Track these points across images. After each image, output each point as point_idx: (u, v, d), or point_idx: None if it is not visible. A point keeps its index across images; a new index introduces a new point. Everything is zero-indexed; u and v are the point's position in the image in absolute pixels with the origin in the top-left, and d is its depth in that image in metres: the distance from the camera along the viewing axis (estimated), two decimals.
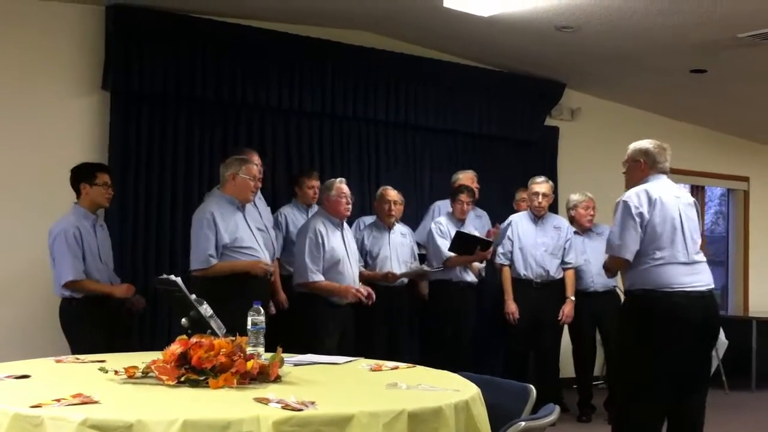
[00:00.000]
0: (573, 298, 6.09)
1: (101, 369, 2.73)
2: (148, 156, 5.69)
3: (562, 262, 6.11)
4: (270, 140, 6.19)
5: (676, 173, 8.65)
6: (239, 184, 4.67)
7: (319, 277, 5.00)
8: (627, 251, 3.95)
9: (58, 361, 3.18)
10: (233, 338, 2.75)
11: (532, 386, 2.98)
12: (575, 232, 6.32)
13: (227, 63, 5.91)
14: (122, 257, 5.32)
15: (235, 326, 3.04)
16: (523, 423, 2.59)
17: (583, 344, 6.32)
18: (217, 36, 5.88)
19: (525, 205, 6.33)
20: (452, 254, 5.82)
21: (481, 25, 5.96)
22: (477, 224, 6.31)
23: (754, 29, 5.70)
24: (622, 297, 4.60)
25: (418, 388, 2.66)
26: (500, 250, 6.06)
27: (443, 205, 6.32)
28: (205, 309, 3.14)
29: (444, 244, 5.84)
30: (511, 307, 6.00)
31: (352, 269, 5.16)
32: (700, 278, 4.00)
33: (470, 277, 6.00)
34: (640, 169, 4.13)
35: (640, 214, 3.95)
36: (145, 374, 2.64)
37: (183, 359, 2.60)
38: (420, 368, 3.23)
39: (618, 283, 5.16)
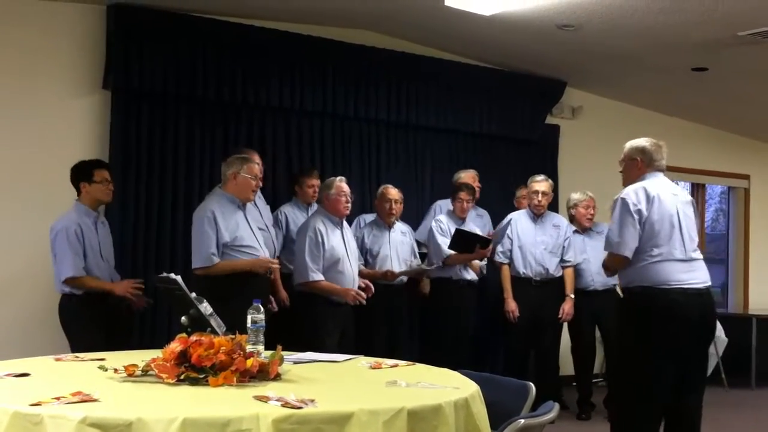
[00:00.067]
0: (572, 295, 6.09)
1: (101, 367, 2.73)
2: (149, 155, 5.70)
3: (561, 261, 6.12)
4: (270, 139, 6.20)
5: (677, 171, 8.73)
6: (240, 183, 4.67)
7: (319, 277, 5.01)
8: (626, 248, 3.95)
9: (57, 360, 3.19)
10: (233, 336, 2.75)
11: (531, 384, 2.99)
12: (575, 231, 6.33)
13: (228, 62, 5.91)
14: (123, 256, 5.32)
15: (235, 324, 3.04)
16: (522, 420, 2.59)
17: (582, 342, 6.33)
18: (217, 35, 5.88)
19: (525, 203, 6.33)
20: (452, 252, 5.83)
21: (482, 24, 5.95)
22: (478, 223, 6.32)
23: (755, 27, 5.70)
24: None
25: (418, 386, 2.66)
26: (499, 248, 6.07)
27: (444, 205, 6.32)
28: (205, 307, 3.14)
29: (444, 242, 5.85)
30: (511, 305, 6.00)
31: (351, 268, 5.16)
32: (697, 275, 4.01)
33: (470, 276, 6.00)
34: (636, 167, 4.14)
35: (639, 211, 3.95)
36: (145, 372, 2.64)
37: (183, 357, 2.60)
38: (420, 366, 3.23)
39: (618, 281, 5.15)
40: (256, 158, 5.13)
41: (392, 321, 5.66)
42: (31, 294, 5.19)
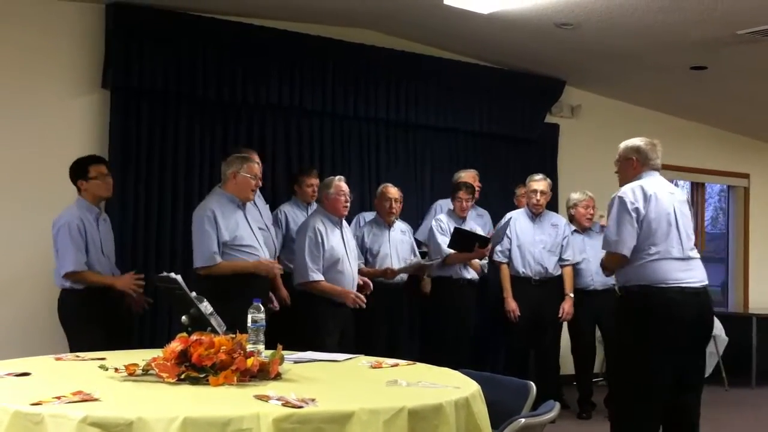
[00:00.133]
0: (572, 294, 6.10)
1: (101, 366, 2.73)
2: (149, 154, 5.70)
3: (560, 259, 6.13)
4: (270, 139, 6.19)
5: (676, 170, 8.73)
6: (240, 182, 4.66)
7: (319, 277, 5.00)
8: (624, 246, 3.96)
9: (58, 359, 3.19)
10: (233, 336, 2.75)
11: (532, 383, 2.99)
12: (575, 231, 6.33)
13: (227, 61, 5.91)
14: (123, 255, 5.32)
15: (236, 324, 3.04)
16: (522, 420, 2.59)
17: (582, 342, 6.33)
18: (217, 34, 5.88)
19: (525, 201, 6.33)
20: (452, 251, 5.83)
21: (481, 23, 5.95)
22: (479, 223, 6.32)
23: (754, 26, 5.70)
24: None
25: (419, 385, 2.66)
26: (498, 248, 6.07)
27: (445, 204, 6.32)
28: (205, 306, 3.14)
29: (444, 241, 5.85)
30: (512, 304, 6.01)
31: (351, 268, 5.16)
32: (694, 274, 4.01)
33: (470, 275, 6.00)
34: (632, 166, 4.16)
35: (636, 210, 3.96)
36: (146, 372, 2.64)
37: (183, 357, 2.60)
38: (420, 365, 3.23)
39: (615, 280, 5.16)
40: (256, 158, 5.13)
41: (392, 320, 5.66)
42: (32, 294, 5.19)
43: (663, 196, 4.03)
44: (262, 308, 2.98)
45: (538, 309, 6.03)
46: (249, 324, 2.95)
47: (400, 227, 5.89)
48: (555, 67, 7.32)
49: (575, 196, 6.37)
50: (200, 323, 3.05)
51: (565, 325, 6.35)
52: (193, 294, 3.19)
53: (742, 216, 9.59)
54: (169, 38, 5.70)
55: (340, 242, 5.13)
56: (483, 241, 5.84)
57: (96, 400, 2.24)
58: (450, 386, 2.64)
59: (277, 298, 5.18)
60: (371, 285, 5.27)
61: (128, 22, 5.54)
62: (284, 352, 2.82)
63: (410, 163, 6.90)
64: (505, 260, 6.10)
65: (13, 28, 5.36)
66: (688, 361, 4.02)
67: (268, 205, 5.53)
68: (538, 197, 6.09)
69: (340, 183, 5.18)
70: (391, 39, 6.69)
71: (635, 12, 5.61)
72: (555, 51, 6.74)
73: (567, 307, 6.09)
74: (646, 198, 3.98)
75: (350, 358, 3.39)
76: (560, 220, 6.29)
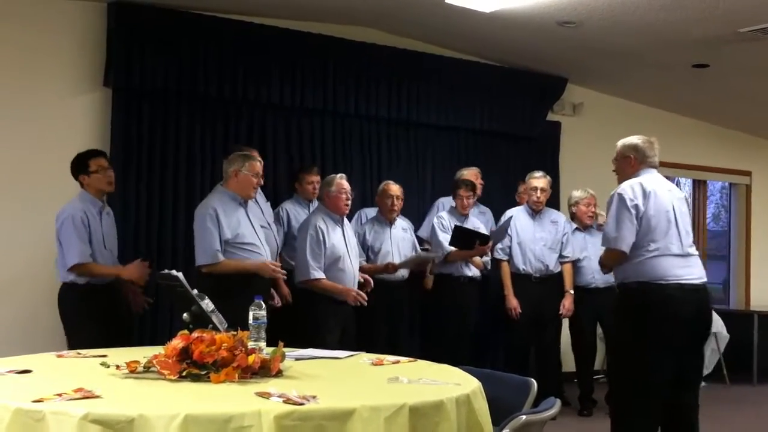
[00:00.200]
0: (572, 291, 6.12)
1: (103, 364, 2.73)
2: (150, 153, 5.70)
3: (560, 256, 6.14)
4: (271, 137, 6.20)
5: (678, 167, 8.73)
6: (242, 180, 4.66)
7: (320, 275, 5.01)
8: (624, 243, 3.96)
9: (59, 356, 3.19)
10: (234, 333, 2.75)
11: (533, 380, 3.00)
12: (576, 229, 6.34)
13: (229, 60, 5.91)
14: (124, 253, 5.31)
15: (237, 321, 3.05)
16: (523, 417, 2.60)
17: (583, 339, 6.34)
18: (218, 33, 5.88)
19: (525, 198, 6.33)
20: (453, 249, 5.83)
21: (483, 21, 5.95)
22: (481, 220, 6.32)
23: (756, 24, 5.69)
24: None
25: (420, 382, 2.66)
26: (498, 245, 6.07)
27: (447, 202, 6.32)
28: (207, 304, 3.14)
29: (446, 239, 5.85)
30: (513, 302, 6.01)
31: (352, 266, 5.16)
32: (693, 271, 4.02)
33: (472, 272, 6.00)
34: (630, 164, 4.17)
35: (636, 206, 3.97)
36: (147, 369, 2.65)
37: (184, 354, 2.61)
38: (421, 362, 3.24)
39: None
40: (258, 156, 5.13)
41: (393, 318, 5.67)
42: (32, 293, 5.19)
43: (662, 193, 4.04)
44: (264, 305, 2.98)
45: (538, 306, 6.03)
46: (250, 321, 2.95)
47: (401, 224, 5.90)
48: (557, 65, 7.32)
49: (576, 194, 6.38)
50: (202, 320, 3.06)
51: (566, 322, 6.35)
52: (195, 291, 3.19)
53: (744, 213, 9.59)
54: (170, 37, 5.70)
55: (342, 240, 5.13)
56: (483, 238, 5.85)
57: (97, 397, 2.24)
58: (451, 383, 2.64)
59: (278, 295, 5.19)
60: (372, 282, 5.28)
61: (130, 21, 5.54)
62: (285, 350, 2.82)
63: (412, 161, 6.90)
64: (505, 257, 6.10)
65: (14, 27, 5.36)
66: (686, 358, 4.03)
67: (269, 203, 5.54)
68: (539, 194, 6.10)
69: (341, 181, 5.18)
70: (393, 37, 6.69)
71: (637, 10, 5.61)
72: (557, 49, 6.74)
73: (567, 303, 6.10)
74: (646, 195, 3.99)
75: (351, 356, 3.39)
76: (560, 216, 6.30)
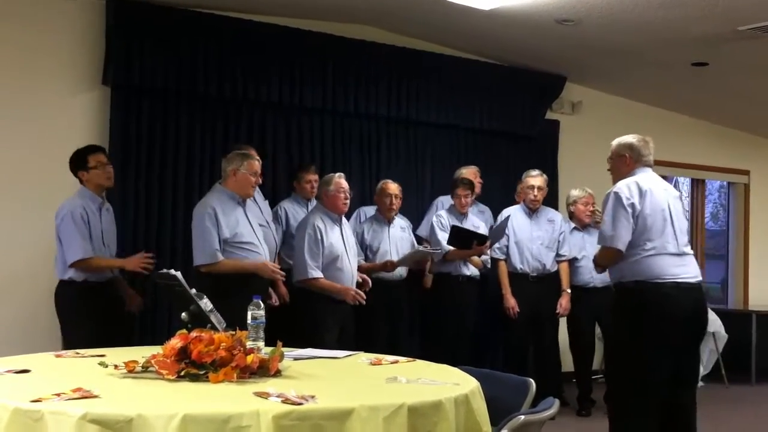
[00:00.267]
0: (569, 290, 6.13)
1: (101, 363, 2.72)
2: (149, 151, 5.70)
3: (557, 255, 6.15)
4: (270, 135, 6.19)
5: (676, 166, 8.73)
6: (240, 179, 4.66)
7: (318, 274, 5.00)
8: (620, 241, 3.97)
9: (57, 356, 3.19)
10: (233, 332, 2.75)
11: (531, 380, 3.00)
12: (575, 228, 6.34)
13: (228, 58, 5.90)
14: (123, 252, 5.31)
15: (235, 321, 3.04)
16: (522, 417, 2.60)
17: (582, 339, 6.34)
18: (217, 31, 5.87)
19: (522, 197, 6.33)
20: (451, 248, 5.83)
21: (482, 19, 5.95)
22: (481, 219, 6.32)
23: (755, 22, 5.70)
24: None
25: (418, 382, 2.66)
26: (495, 244, 6.07)
27: (446, 200, 6.32)
28: (205, 303, 3.14)
29: (444, 237, 5.85)
30: (511, 301, 6.01)
31: (351, 265, 5.15)
32: (689, 270, 4.03)
33: (470, 271, 6.00)
34: (625, 163, 4.18)
35: (632, 205, 3.98)
36: (145, 369, 2.64)
37: (183, 354, 2.61)
38: (420, 362, 3.23)
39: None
40: (256, 155, 5.13)
41: (392, 317, 5.67)
42: (32, 292, 5.18)
43: (657, 192, 4.06)
44: (262, 305, 2.98)
45: (535, 305, 6.04)
46: (249, 321, 2.95)
47: (399, 223, 5.89)
48: (556, 64, 7.32)
49: (575, 193, 6.38)
50: (200, 320, 3.05)
51: (564, 322, 6.35)
52: (193, 291, 3.19)
53: (743, 213, 9.59)
54: (169, 35, 5.70)
55: (340, 239, 5.13)
56: (480, 238, 5.84)
57: (96, 397, 2.24)
58: (449, 383, 2.64)
59: (276, 295, 5.19)
60: (370, 282, 5.28)
61: (129, 19, 5.53)
62: (284, 349, 2.82)
63: (411, 159, 6.90)
64: (502, 257, 6.11)
65: (13, 26, 5.35)
66: (683, 357, 4.04)
67: (267, 202, 5.54)
68: (536, 193, 6.10)
69: (339, 180, 5.17)
70: (392, 35, 6.69)
71: (636, 8, 5.60)
72: (556, 47, 6.74)
73: (564, 302, 6.12)
74: (642, 193, 4.00)
75: (350, 355, 3.39)
76: (556, 215, 6.30)
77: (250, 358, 2.60)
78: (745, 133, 9.38)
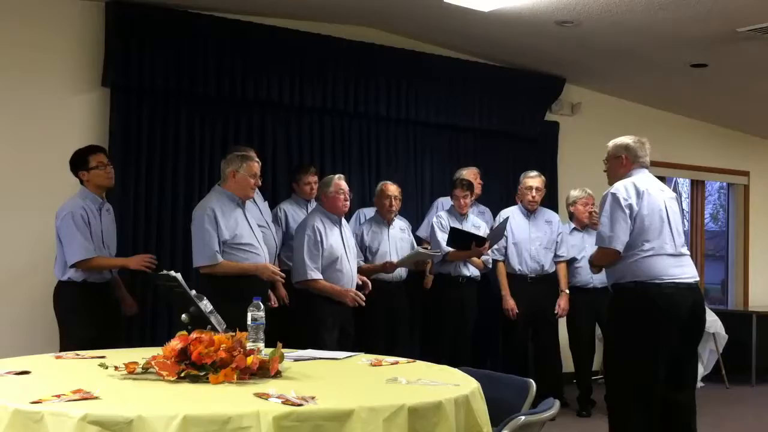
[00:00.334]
0: (567, 291, 6.14)
1: (101, 365, 2.73)
2: (149, 152, 5.69)
3: (555, 256, 6.16)
4: (270, 136, 6.19)
5: (676, 167, 8.73)
6: (239, 181, 4.66)
7: (317, 275, 5.00)
8: (618, 242, 3.98)
9: (58, 357, 3.19)
10: (233, 334, 2.75)
11: (532, 381, 3.00)
12: (575, 229, 6.34)
13: (227, 59, 5.90)
14: (123, 253, 5.31)
15: (236, 322, 3.04)
16: (522, 417, 2.60)
17: (581, 340, 6.34)
18: (217, 32, 5.87)
19: (519, 198, 6.34)
20: (451, 249, 5.83)
21: (482, 20, 5.95)
22: (481, 219, 6.31)
23: (754, 23, 5.70)
24: None
25: (418, 383, 2.66)
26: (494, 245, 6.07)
27: (446, 201, 6.32)
28: (205, 304, 3.14)
29: (444, 239, 5.85)
30: (510, 303, 6.02)
31: (350, 266, 5.15)
32: (686, 270, 4.04)
33: (470, 272, 6.00)
34: (622, 164, 4.20)
35: (630, 206, 3.98)
36: (145, 370, 2.65)
37: (183, 355, 2.61)
38: (420, 363, 3.23)
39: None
40: (255, 156, 5.13)
41: (392, 318, 5.66)
42: (32, 293, 5.18)
43: (654, 192, 4.07)
44: (262, 306, 2.98)
45: (534, 306, 6.05)
46: (249, 322, 2.95)
47: (399, 225, 5.89)
48: (555, 65, 7.32)
49: (574, 193, 6.39)
50: (200, 321, 3.06)
51: (564, 322, 6.35)
52: (193, 292, 3.19)
53: (742, 213, 9.59)
54: (169, 36, 5.69)
55: (339, 241, 5.13)
56: (479, 240, 5.84)
57: (96, 398, 2.24)
58: (450, 384, 2.64)
59: (276, 296, 5.19)
60: (370, 285, 5.28)
61: (128, 20, 5.53)
62: (284, 350, 2.82)
63: (410, 160, 6.89)
64: (501, 258, 6.11)
65: (12, 26, 5.35)
66: (682, 358, 4.04)
67: (267, 203, 5.53)
68: (534, 194, 6.12)
69: (339, 181, 5.17)
70: (392, 37, 6.69)
71: (635, 9, 5.61)
72: (555, 48, 6.74)
73: (563, 303, 6.13)
74: (639, 194, 4.01)
75: (350, 356, 3.39)
76: (554, 216, 6.32)
77: (250, 359, 2.60)
78: (745, 134, 9.39)
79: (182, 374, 2.57)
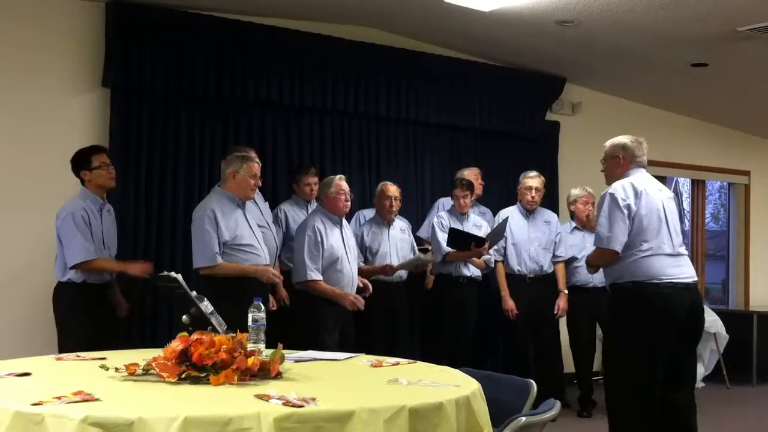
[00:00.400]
0: (566, 291, 6.15)
1: (102, 366, 2.73)
2: (149, 153, 5.69)
3: (553, 256, 6.17)
4: (270, 136, 6.19)
5: (677, 167, 8.73)
6: (239, 181, 4.65)
7: (317, 276, 5.00)
8: (616, 242, 3.98)
9: (58, 359, 3.19)
10: (234, 335, 2.75)
11: (532, 381, 3.00)
12: (575, 228, 6.34)
13: (227, 59, 5.90)
14: (123, 254, 5.31)
15: (236, 323, 3.04)
16: (523, 418, 2.60)
17: (581, 339, 6.34)
18: (217, 32, 5.87)
19: (519, 198, 6.33)
20: (451, 249, 5.83)
21: (482, 20, 5.95)
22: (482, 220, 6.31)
23: (754, 23, 5.70)
24: None
25: (419, 384, 2.66)
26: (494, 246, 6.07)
27: (447, 202, 6.32)
28: (206, 306, 3.14)
29: (445, 239, 5.85)
30: (509, 303, 6.02)
31: (351, 267, 5.15)
32: (684, 270, 4.04)
33: (470, 272, 6.00)
34: (619, 164, 4.20)
35: (628, 206, 3.98)
36: (146, 371, 2.64)
37: (184, 356, 2.61)
38: (421, 364, 3.23)
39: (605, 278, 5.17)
40: (256, 157, 5.12)
41: (392, 319, 5.66)
42: (32, 293, 5.18)
43: (652, 192, 4.08)
44: (263, 307, 2.98)
45: (534, 306, 6.06)
46: (249, 323, 2.95)
47: (399, 225, 5.89)
48: (555, 65, 7.32)
49: (575, 192, 6.39)
50: (201, 322, 3.06)
51: (564, 322, 6.35)
52: (194, 293, 3.19)
53: (743, 213, 9.59)
54: (169, 36, 5.69)
55: (340, 241, 5.12)
56: (478, 240, 5.84)
57: (96, 400, 2.24)
58: (450, 385, 2.64)
59: (276, 298, 5.19)
60: (371, 287, 5.27)
61: (128, 21, 5.53)
62: (285, 351, 2.82)
63: (410, 160, 6.89)
64: (500, 258, 6.11)
65: (13, 27, 5.35)
66: (681, 357, 4.04)
67: (267, 203, 5.53)
68: (533, 194, 6.12)
69: (340, 182, 5.17)
70: (392, 37, 6.69)
71: (636, 9, 5.61)
72: (555, 48, 6.74)
73: (562, 303, 6.15)
74: (637, 194, 4.01)
75: (351, 357, 3.39)
76: (552, 216, 6.33)
77: (250, 361, 2.60)
78: (746, 133, 9.38)
79: (183, 375, 2.57)
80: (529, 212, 6.18)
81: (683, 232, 9.95)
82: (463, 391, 2.55)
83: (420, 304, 6.16)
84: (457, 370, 3.01)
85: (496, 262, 6.11)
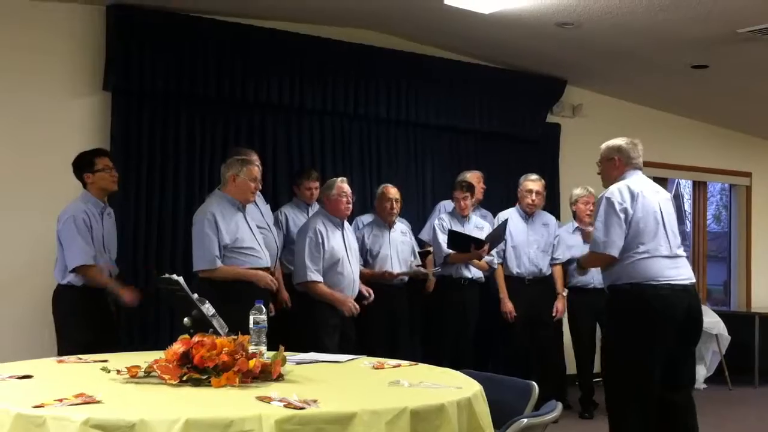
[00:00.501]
0: (564, 293, 6.16)
1: (103, 369, 2.73)
2: (150, 156, 5.69)
3: (551, 259, 6.19)
4: (271, 138, 6.19)
5: (678, 168, 8.73)
6: (240, 185, 4.65)
7: (318, 277, 5.00)
8: (613, 247, 3.98)
9: (60, 362, 3.19)
10: (235, 337, 2.75)
11: (534, 383, 3.00)
12: (577, 228, 6.34)
13: (228, 62, 5.90)
14: (123, 257, 5.32)
15: (238, 325, 3.04)
16: (525, 420, 2.60)
17: (582, 341, 6.34)
18: (218, 35, 5.87)
19: (519, 201, 6.34)
20: (451, 252, 5.83)
21: (482, 22, 5.95)
22: (484, 222, 6.31)
23: (754, 24, 5.70)
24: None
25: (421, 386, 2.66)
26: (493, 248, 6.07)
27: (449, 204, 6.32)
28: (207, 308, 3.14)
29: (445, 241, 5.85)
30: (509, 306, 6.03)
31: (352, 269, 5.15)
32: (682, 272, 4.04)
33: (471, 274, 6.00)
34: (615, 166, 4.20)
35: (624, 210, 3.98)
36: (148, 374, 2.65)
37: (185, 358, 2.61)
38: (422, 366, 3.23)
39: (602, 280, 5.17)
40: (256, 160, 5.13)
41: (393, 321, 5.65)
42: (32, 295, 5.18)
43: (649, 194, 4.07)
44: (264, 310, 2.98)
45: (533, 308, 6.07)
46: (251, 325, 2.95)
47: (400, 228, 5.88)
48: (556, 67, 7.32)
49: (576, 191, 6.40)
50: (202, 325, 3.05)
51: (566, 323, 6.35)
52: (195, 296, 3.19)
53: (744, 214, 9.59)
54: (169, 40, 5.70)
55: (341, 243, 5.13)
56: (478, 242, 5.84)
57: (98, 402, 2.24)
58: (452, 387, 2.64)
59: (277, 300, 5.19)
60: (372, 294, 5.27)
61: (129, 24, 5.53)
62: (286, 354, 2.82)
63: (411, 162, 6.89)
64: (498, 260, 6.11)
65: (14, 30, 5.35)
66: (678, 358, 4.04)
67: (268, 205, 5.53)
68: (534, 197, 6.12)
69: (342, 184, 5.17)
70: (392, 39, 6.69)
71: (636, 11, 5.61)
72: (556, 50, 6.74)
73: (560, 306, 6.18)
74: (634, 197, 4.01)
75: (352, 359, 3.39)
76: (550, 219, 6.34)
77: (252, 363, 2.60)
78: (747, 134, 9.39)
79: (184, 378, 2.57)
80: (528, 215, 6.18)
81: (685, 233, 9.96)
82: (464, 392, 2.55)
83: (421, 306, 6.16)
84: (458, 372, 3.01)
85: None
